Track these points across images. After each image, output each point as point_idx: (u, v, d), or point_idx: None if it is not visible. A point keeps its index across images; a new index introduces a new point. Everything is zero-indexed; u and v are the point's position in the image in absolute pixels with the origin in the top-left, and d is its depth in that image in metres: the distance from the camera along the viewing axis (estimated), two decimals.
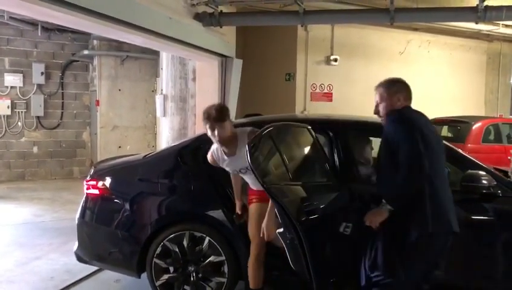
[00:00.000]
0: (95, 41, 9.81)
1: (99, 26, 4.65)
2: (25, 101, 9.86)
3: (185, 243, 3.52)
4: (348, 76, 9.95)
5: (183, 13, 6.20)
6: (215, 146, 3.22)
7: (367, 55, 10.03)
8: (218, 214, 3.52)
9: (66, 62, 10.24)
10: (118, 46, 9.58)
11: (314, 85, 9.95)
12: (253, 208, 3.29)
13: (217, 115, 3.04)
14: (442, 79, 10.95)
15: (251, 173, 3.01)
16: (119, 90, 10.08)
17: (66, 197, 7.99)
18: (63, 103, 10.31)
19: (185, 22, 6.04)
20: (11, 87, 9.73)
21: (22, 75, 9.80)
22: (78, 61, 10.33)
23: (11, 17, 8.80)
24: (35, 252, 5.03)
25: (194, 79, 7.21)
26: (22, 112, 9.85)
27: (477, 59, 11.67)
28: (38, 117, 10.03)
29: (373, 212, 2.75)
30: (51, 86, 10.13)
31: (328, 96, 10.06)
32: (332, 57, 9.91)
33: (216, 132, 3.03)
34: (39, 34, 9.60)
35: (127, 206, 3.74)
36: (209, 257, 3.50)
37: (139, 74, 10.20)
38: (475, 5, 5.75)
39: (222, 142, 3.08)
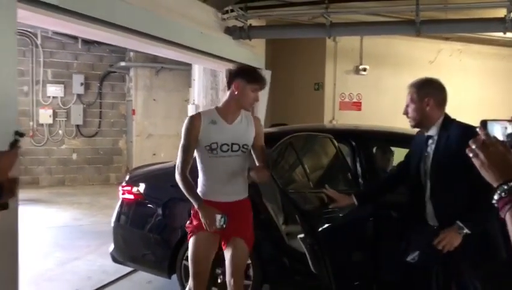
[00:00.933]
0: (131, 54, 10.18)
1: (135, 42, 4.94)
2: (65, 111, 10.30)
3: None
4: (378, 85, 9.94)
5: (214, 27, 6.44)
6: (215, 109, 3.10)
7: (396, 64, 9.99)
8: None
9: (104, 73, 10.65)
10: (153, 58, 9.82)
11: (343, 94, 9.99)
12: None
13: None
14: (475, 88, 10.76)
15: (221, 157, 2.85)
16: (154, 100, 10.41)
17: (103, 202, 8.29)
18: (100, 112, 10.72)
19: (215, 36, 6.28)
20: (53, 97, 10.19)
21: (63, 85, 10.24)
22: (115, 72, 10.72)
23: (54, 32, 9.33)
24: (75, 253, 5.31)
25: (224, 90, 7.42)
26: (62, 120, 10.29)
27: (511, 67, 11.43)
28: (77, 125, 10.46)
29: (449, 235, 2.40)
30: (89, 96, 10.57)
31: (357, 106, 10.08)
32: (361, 67, 9.92)
33: (255, 96, 2.92)
34: (79, 47, 10.08)
35: (159, 211, 3.95)
36: None
37: (173, 85, 10.49)
38: (503, 16, 5.75)
39: (250, 107, 2.97)
